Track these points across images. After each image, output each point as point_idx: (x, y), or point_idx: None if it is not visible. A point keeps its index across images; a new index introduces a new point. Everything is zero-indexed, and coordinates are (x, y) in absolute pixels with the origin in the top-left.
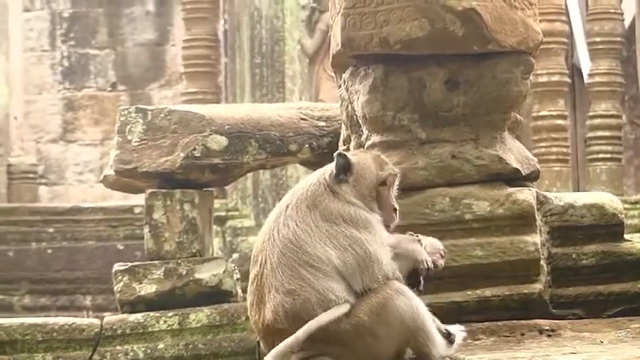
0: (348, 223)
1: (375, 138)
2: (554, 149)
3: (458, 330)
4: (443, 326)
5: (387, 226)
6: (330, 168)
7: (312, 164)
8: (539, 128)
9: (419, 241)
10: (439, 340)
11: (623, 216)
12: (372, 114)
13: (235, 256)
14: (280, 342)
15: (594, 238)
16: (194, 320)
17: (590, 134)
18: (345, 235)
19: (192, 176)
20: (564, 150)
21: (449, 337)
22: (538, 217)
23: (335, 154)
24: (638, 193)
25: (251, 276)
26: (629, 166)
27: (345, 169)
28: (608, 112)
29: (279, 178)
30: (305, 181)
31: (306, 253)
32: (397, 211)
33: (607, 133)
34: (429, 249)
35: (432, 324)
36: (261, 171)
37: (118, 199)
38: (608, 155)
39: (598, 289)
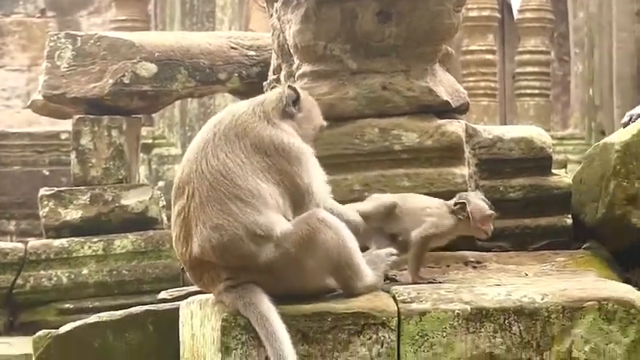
0: (280, 154)
1: (306, 68)
2: (482, 84)
3: (389, 252)
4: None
5: None
6: (268, 99)
7: (241, 93)
8: (468, 62)
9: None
10: (365, 272)
11: (551, 150)
12: (303, 43)
13: (161, 183)
14: (208, 273)
15: (522, 172)
16: (119, 246)
17: (519, 70)
18: (276, 168)
19: (120, 103)
20: (492, 85)
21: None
22: (466, 149)
23: (285, 85)
24: (565, 129)
25: (176, 208)
26: (556, 103)
27: (295, 103)
28: (537, 48)
29: (206, 107)
30: (233, 108)
31: (237, 186)
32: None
33: (535, 69)
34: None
35: (358, 257)
36: (189, 99)
37: (45, 125)
38: (536, 91)
39: (524, 223)
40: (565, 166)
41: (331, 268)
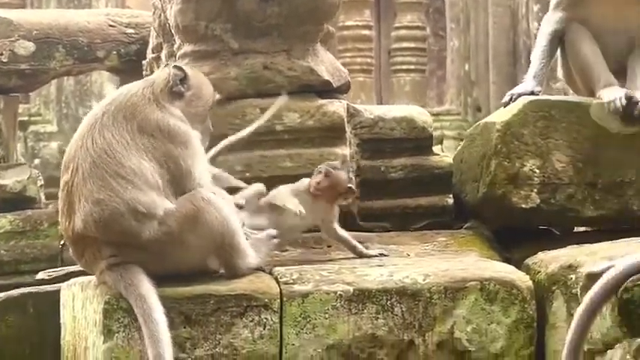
0: (166, 137)
1: (188, 47)
2: (358, 59)
3: (270, 235)
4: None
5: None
6: (157, 80)
7: (119, 71)
8: (344, 38)
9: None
10: (248, 253)
11: (432, 130)
12: (184, 23)
13: (37, 161)
14: (90, 249)
15: (403, 152)
16: None
17: (395, 45)
18: (161, 149)
19: None
20: (369, 60)
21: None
22: (348, 129)
23: (171, 66)
24: (441, 105)
25: (61, 183)
26: (432, 78)
27: (182, 82)
28: (413, 24)
29: (82, 84)
30: (124, 89)
31: (119, 165)
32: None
33: (411, 45)
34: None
35: (241, 237)
36: (65, 76)
37: None
38: (412, 67)
39: (406, 203)
40: (441, 142)
41: (214, 248)
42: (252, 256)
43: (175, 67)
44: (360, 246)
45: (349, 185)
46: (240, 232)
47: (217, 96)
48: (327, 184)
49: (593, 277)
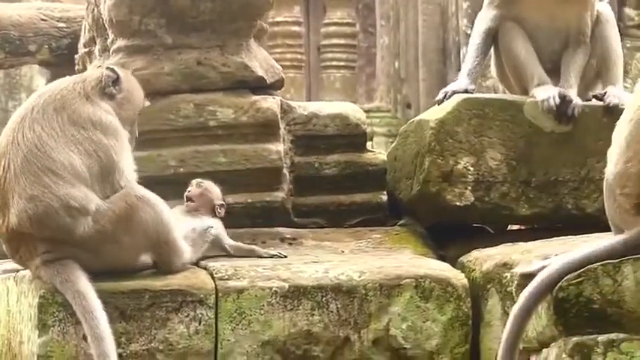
0: (97, 128)
1: (121, 42)
2: (288, 55)
3: (208, 228)
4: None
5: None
6: (89, 77)
7: (51, 65)
8: (274, 34)
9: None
10: (184, 249)
11: (366, 127)
12: (118, 18)
13: None
14: (26, 245)
15: (337, 148)
16: None
17: (325, 42)
18: (91, 140)
19: None
20: (299, 57)
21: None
22: (282, 125)
23: (104, 67)
24: (370, 102)
25: None
26: (361, 75)
27: (114, 84)
28: (343, 20)
29: (12, 77)
30: (54, 84)
31: (50, 159)
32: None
33: (341, 41)
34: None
35: (177, 234)
36: None
37: None
38: (342, 63)
39: (340, 199)
40: (371, 139)
41: (149, 245)
42: (187, 252)
43: (108, 68)
44: (256, 248)
45: (220, 202)
46: (175, 229)
47: (147, 103)
48: (196, 193)
49: (527, 277)
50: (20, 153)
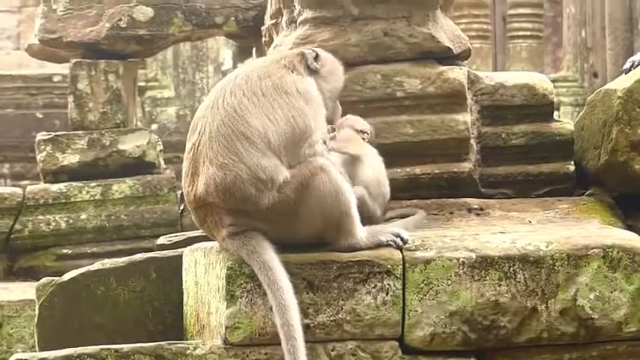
0: (301, 94)
1: (308, 13)
2: (474, 25)
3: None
4: (389, 228)
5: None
6: (290, 55)
7: (238, 37)
8: (460, 5)
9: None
10: (358, 233)
11: (553, 96)
12: None
13: (154, 127)
14: (212, 216)
15: (524, 118)
16: (117, 191)
17: (511, 11)
18: (293, 105)
19: (117, 47)
20: (485, 27)
21: (400, 238)
22: (469, 95)
23: (305, 50)
24: (557, 71)
25: (188, 145)
26: (547, 44)
27: (315, 58)
28: None
29: (199, 50)
30: (260, 59)
31: (246, 124)
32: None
33: (528, 11)
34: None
35: (354, 213)
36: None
37: (35, 68)
38: (528, 33)
39: (527, 169)
40: (558, 109)
41: (325, 218)
42: (362, 237)
43: (309, 49)
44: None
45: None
46: (354, 207)
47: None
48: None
49: None
50: (218, 117)
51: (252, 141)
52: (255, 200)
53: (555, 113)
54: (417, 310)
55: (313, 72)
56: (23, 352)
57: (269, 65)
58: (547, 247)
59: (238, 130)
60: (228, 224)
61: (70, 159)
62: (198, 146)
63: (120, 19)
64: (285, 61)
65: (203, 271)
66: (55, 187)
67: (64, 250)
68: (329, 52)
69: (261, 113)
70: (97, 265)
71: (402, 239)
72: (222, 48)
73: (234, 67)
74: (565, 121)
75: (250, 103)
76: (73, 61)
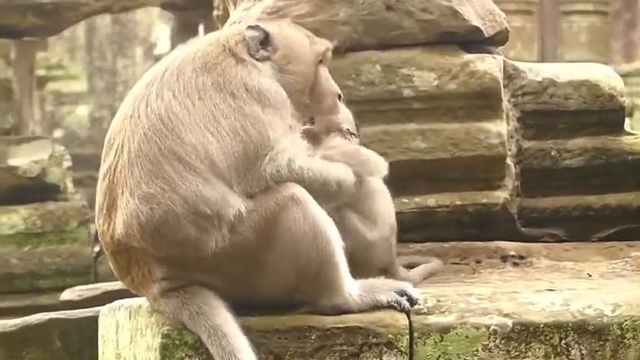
0: (254, 96)
1: None
2: None
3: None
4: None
5: (329, 121)
6: (234, 33)
7: (178, 8)
8: None
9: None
10: (347, 288)
11: (624, 98)
12: None
13: (58, 133)
14: (138, 265)
15: (583, 129)
16: (5, 225)
17: None
18: (242, 112)
19: (7, 21)
20: None
21: (406, 297)
22: (505, 97)
23: (244, 28)
24: (630, 62)
25: (103, 168)
26: (616, 23)
27: (263, 43)
28: None
29: (123, 25)
30: (196, 41)
31: (178, 139)
32: (341, 98)
33: None
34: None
35: (340, 261)
36: (100, 14)
37: None
38: (590, 7)
39: (586, 201)
40: (631, 115)
41: (300, 268)
42: (352, 294)
43: (250, 27)
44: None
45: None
46: (339, 252)
47: (322, 47)
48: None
49: None
50: (139, 130)
51: (188, 162)
52: (197, 244)
53: (627, 121)
54: None
55: (262, 59)
56: None
57: (207, 52)
58: (613, 311)
59: (168, 148)
60: (160, 277)
61: None
62: (114, 171)
63: None
64: (227, 45)
65: (128, 340)
66: None
67: None
68: (309, 31)
69: (198, 125)
70: None
71: (409, 298)
72: (155, 23)
73: (173, 49)
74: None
75: (182, 110)
76: None
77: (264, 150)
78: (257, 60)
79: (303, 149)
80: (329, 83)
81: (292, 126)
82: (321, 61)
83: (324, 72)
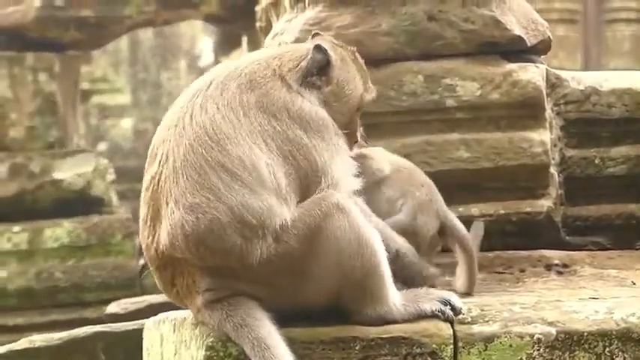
0: (295, 121)
1: None
2: (556, 5)
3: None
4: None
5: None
6: (287, 56)
7: (221, 21)
8: None
9: None
10: (391, 298)
11: None
12: None
13: (103, 146)
14: (182, 277)
15: (626, 137)
16: (50, 238)
17: None
18: (286, 136)
19: (50, 34)
20: (572, 6)
21: (450, 307)
22: (548, 105)
23: (312, 45)
24: None
25: (146, 178)
26: None
27: (322, 69)
28: None
29: (166, 38)
30: (245, 57)
31: (224, 151)
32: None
33: None
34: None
35: (385, 269)
36: (144, 28)
37: None
38: (633, 15)
39: (629, 209)
40: None
41: (344, 277)
42: (396, 304)
43: (317, 47)
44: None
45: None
46: (384, 264)
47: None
48: None
49: None
50: (184, 141)
51: (235, 174)
52: (242, 253)
53: None
54: None
55: (311, 86)
56: None
57: (254, 70)
58: None
59: (214, 160)
60: (205, 289)
61: None
62: (158, 181)
63: None
64: (277, 64)
65: (172, 353)
66: None
67: None
68: (350, 42)
69: (244, 138)
70: (24, 343)
71: (452, 308)
72: (198, 35)
73: (217, 62)
74: None
75: (227, 124)
76: None
77: (313, 174)
78: (306, 87)
79: (351, 184)
80: (356, 126)
81: (337, 145)
82: (359, 108)
83: (357, 116)
